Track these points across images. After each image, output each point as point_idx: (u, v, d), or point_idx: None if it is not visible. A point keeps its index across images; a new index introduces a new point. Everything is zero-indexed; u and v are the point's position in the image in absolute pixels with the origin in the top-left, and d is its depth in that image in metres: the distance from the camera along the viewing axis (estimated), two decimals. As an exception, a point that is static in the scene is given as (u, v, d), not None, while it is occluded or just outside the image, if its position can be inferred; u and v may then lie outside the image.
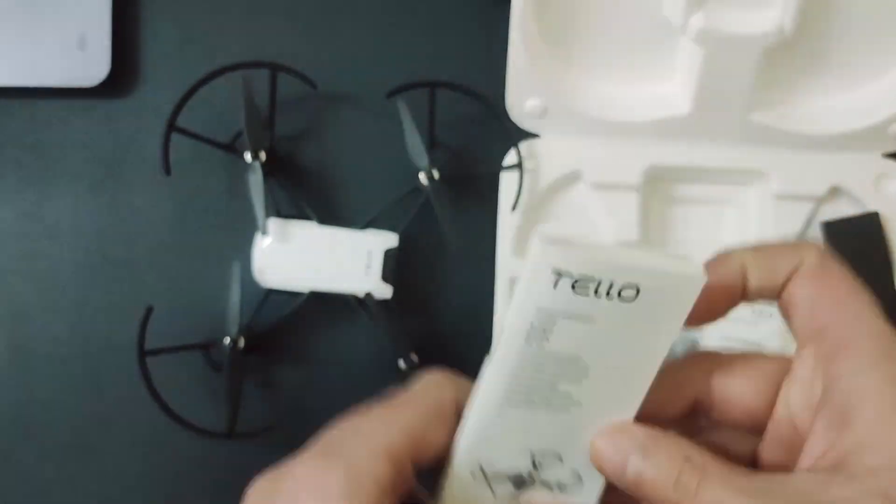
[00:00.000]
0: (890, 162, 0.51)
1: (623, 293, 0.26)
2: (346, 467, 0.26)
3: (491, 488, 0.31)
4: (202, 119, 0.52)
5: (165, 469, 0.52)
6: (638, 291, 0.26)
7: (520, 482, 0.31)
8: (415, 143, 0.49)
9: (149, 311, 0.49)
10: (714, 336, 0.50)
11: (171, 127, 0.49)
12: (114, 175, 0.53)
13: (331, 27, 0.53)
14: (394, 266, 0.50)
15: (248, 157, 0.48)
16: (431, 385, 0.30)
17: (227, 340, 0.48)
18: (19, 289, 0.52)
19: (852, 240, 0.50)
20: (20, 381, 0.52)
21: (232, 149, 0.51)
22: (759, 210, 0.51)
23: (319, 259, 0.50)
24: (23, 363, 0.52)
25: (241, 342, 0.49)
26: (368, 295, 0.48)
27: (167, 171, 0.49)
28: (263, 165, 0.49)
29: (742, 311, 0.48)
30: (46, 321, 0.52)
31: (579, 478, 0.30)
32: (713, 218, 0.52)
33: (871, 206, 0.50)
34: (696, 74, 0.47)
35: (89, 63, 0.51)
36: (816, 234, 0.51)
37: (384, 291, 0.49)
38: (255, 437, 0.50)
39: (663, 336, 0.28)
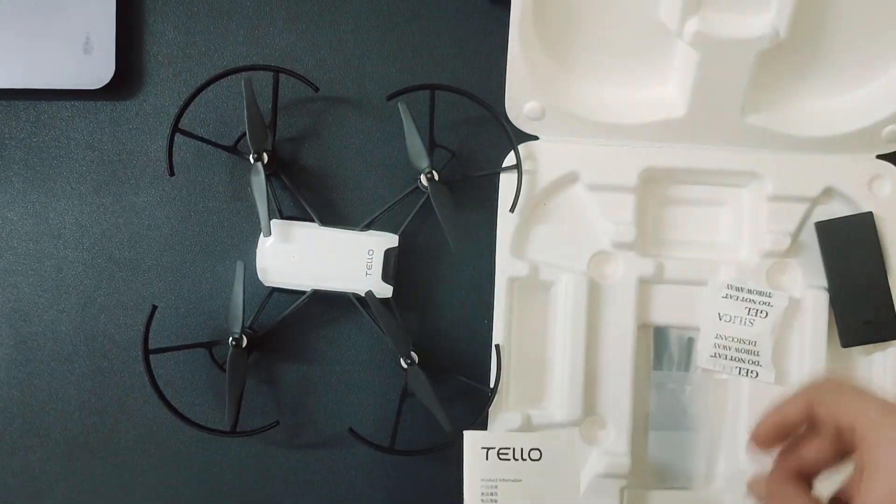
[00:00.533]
0: (883, 163, 0.51)
1: (531, 454, 0.40)
2: None
3: None
4: (205, 121, 0.53)
5: (169, 466, 0.52)
6: (541, 454, 0.40)
7: None
8: (415, 145, 0.49)
9: (153, 310, 0.49)
10: (709, 335, 0.51)
11: (175, 129, 0.50)
12: (118, 176, 0.53)
13: (332, 31, 0.53)
14: (394, 266, 0.50)
15: (250, 158, 0.49)
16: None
17: (230, 339, 0.49)
18: (25, 288, 0.53)
19: (846, 240, 0.50)
20: (26, 379, 0.52)
21: (235, 150, 0.52)
22: (753, 211, 0.52)
23: (321, 259, 0.50)
24: (29, 361, 0.53)
25: (244, 341, 0.49)
26: (369, 294, 0.49)
27: (171, 172, 0.50)
28: (266, 167, 0.49)
29: (737, 310, 0.49)
30: (52, 320, 0.53)
31: None
32: (708, 219, 0.53)
33: (864, 207, 0.51)
34: (691, 77, 0.48)
35: (94, 66, 0.51)
36: (811, 233, 0.51)
37: (384, 291, 0.50)
38: (258, 434, 0.50)
39: (571, 480, 0.40)
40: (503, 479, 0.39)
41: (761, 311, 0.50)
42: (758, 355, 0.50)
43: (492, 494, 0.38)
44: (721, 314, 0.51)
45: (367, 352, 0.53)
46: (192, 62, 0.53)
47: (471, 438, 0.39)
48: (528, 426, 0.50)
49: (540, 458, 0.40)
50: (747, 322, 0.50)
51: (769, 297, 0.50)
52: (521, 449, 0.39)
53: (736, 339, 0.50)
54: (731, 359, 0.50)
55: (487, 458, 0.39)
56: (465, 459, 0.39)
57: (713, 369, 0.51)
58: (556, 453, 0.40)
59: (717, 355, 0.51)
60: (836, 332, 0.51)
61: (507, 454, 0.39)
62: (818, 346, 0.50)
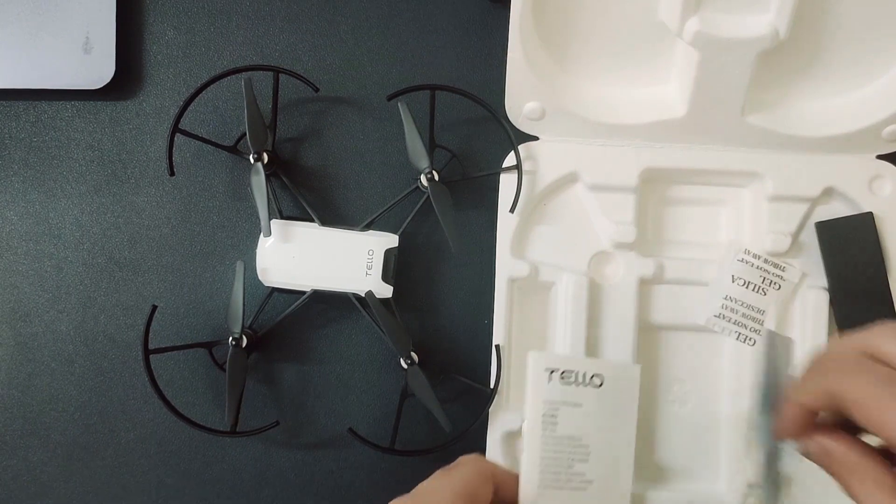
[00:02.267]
0: (883, 163, 0.51)
1: (593, 380, 0.39)
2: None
3: None
4: (206, 121, 0.53)
5: (169, 466, 0.52)
6: (602, 380, 0.39)
7: None
8: (415, 145, 0.49)
9: (153, 310, 0.49)
10: (718, 294, 0.51)
11: (175, 129, 0.50)
12: (118, 176, 0.53)
13: (332, 31, 0.53)
14: (394, 266, 0.50)
15: (250, 158, 0.49)
16: (472, 458, 0.36)
17: (230, 339, 0.49)
18: (25, 288, 0.53)
19: (846, 240, 0.51)
20: (26, 380, 0.52)
21: (235, 150, 0.52)
22: (753, 211, 0.52)
23: (321, 259, 0.50)
24: (28, 362, 0.53)
25: (244, 341, 0.49)
26: (369, 294, 0.49)
27: (171, 172, 0.50)
28: (266, 167, 0.49)
29: (752, 277, 0.49)
30: (52, 320, 0.53)
31: None
32: (709, 219, 0.53)
33: (864, 207, 0.51)
34: (691, 77, 0.48)
35: (94, 66, 0.51)
36: (812, 234, 0.51)
37: (384, 291, 0.50)
38: (258, 434, 0.50)
39: (628, 415, 0.40)
40: (564, 403, 0.38)
41: (775, 283, 0.51)
42: (761, 324, 0.51)
43: (553, 416, 0.38)
44: (735, 277, 0.51)
45: (367, 352, 0.53)
46: (192, 62, 0.53)
47: (535, 358, 0.38)
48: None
49: (601, 385, 0.39)
50: (761, 290, 0.51)
51: (783, 270, 0.51)
52: (584, 374, 0.39)
53: (745, 304, 0.51)
54: (735, 322, 0.51)
55: (550, 380, 0.38)
56: (529, 379, 0.38)
57: (712, 329, 0.51)
58: (617, 383, 0.40)
59: (721, 316, 0.51)
60: (836, 333, 0.51)
61: (569, 377, 0.39)
62: (818, 345, 0.50)
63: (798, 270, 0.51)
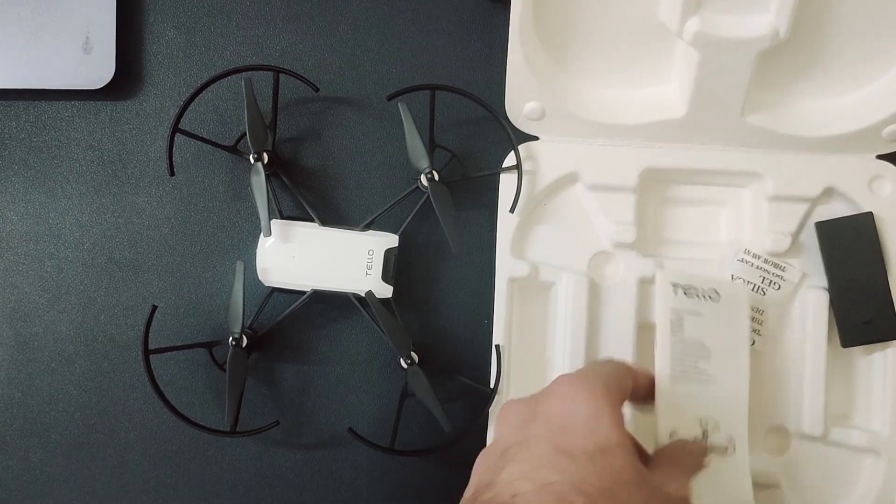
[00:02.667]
0: (883, 163, 0.51)
1: (712, 296, 0.46)
2: (602, 382, 0.38)
3: None
4: (206, 121, 0.53)
5: (169, 466, 0.52)
6: (719, 294, 0.46)
7: None
8: (415, 145, 0.49)
9: (153, 310, 0.49)
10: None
11: (175, 129, 0.50)
12: (118, 176, 0.53)
13: (332, 31, 0.53)
14: (394, 266, 0.50)
15: (250, 158, 0.49)
16: (614, 360, 0.44)
17: (230, 339, 0.49)
18: (25, 288, 0.53)
19: (846, 240, 0.50)
20: (26, 379, 0.53)
21: (235, 150, 0.52)
22: (753, 211, 0.52)
23: (321, 259, 0.50)
24: (29, 362, 0.53)
25: (244, 341, 0.49)
26: (369, 294, 0.49)
27: (171, 172, 0.50)
28: (266, 167, 0.49)
29: (752, 276, 0.51)
30: (52, 320, 0.53)
31: (733, 442, 0.45)
32: (709, 219, 0.53)
33: (864, 207, 0.51)
34: (691, 78, 0.48)
35: (94, 66, 0.52)
36: (812, 234, 0.51)
37: (384, 291, 0.50)
38: (258, 434, 0.50)
39: (742, 324, 0.47)
40: (687, 311, 0.45)
41: (774, 283, 0.50)
42: (761, 324, 0.51)
43: (679, 323, 0.45)
44: (734, 276, 0.51)
45: (367, 352, 0.53)
46: (192, 62, 0.53)
47: (662, 274, 0.46)
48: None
49: (717, 299, 0.46)
50: (760, 290, 0.51)
51: (783, 270, 0.51)
52: (703, 288, 0.46)
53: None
54: None
55: (676, 294, 0.46)
56: (658, 292, 0.46)
57: None
58: (729, 297, 0.47)
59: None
60: (836, 332, 0.51)
61: (691, 291, 0.46)
62: (818, 345, 0.50)
63: (798, 270, 0.51)
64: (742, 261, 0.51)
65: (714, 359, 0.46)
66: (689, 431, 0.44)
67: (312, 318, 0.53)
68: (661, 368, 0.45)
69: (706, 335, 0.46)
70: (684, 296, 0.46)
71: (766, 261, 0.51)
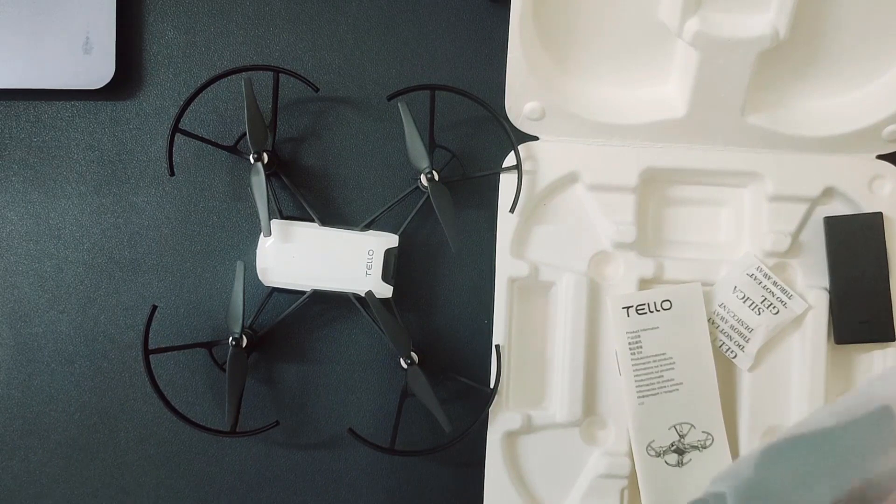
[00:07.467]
0: (883, 163, 0.51)
1: (663, 305, 0.49)
2: None
3: (664, 461, 0.49)
4: (206, 121, 0.53)
5: (169, 466, 0.52)
6: (671, 303, 0.49)
7: (679, 451, 0.49)
8: (415, 145, 0.49)
9: (153, 310, 0.49)
10: (715, 299, 0.51)
11: (175, 129, 0.50)
12: (118, 176, 0.53)
13: (332, 31, 0.53)
14: (394, 266, 0.50)
15: (250, 158, 0.49)
16: None
17: (230, 339, 0.49)
18: (25, 288, 0.53)
19: (852, 238, 0.50)
20: (26, 380, 0.53)
21: (235, 150, 0.52)
22: (753, 211, 0.52)
23: (321, 259, 0.50)
24: (29, 362, 0.53)
25: (244, 341, 0.49)
26: (369, 294, 0.49)
27: (171, 172, 0.50)
28: (266, 167, 0.49)
29: (754, 293, 0.50)
30: (52, 320, 0.53)
31: (711, 434, 0.49)
32: (709, 219, 0.53)
33: (864, 207, 0.51)
34: (691, 77, 0.48)
35: (94, 66, 0.52)
36: (812, 233, 0.51)
37: (384, 291, 0.50)
38: (258, 434, 0.50)
39: (699, 322, 0.49)
40: (644, 329, 0.48)
41: (773, 307, 0.50)
42: (746, 341, 0.50)
43: (637, 343, 0.48)
44: (736, 287, 0.51)
45: (367, 352, 0.53)
46: (192, 62, 0.53)
47: (613, 301, 0.48)
48: (528, 427, 0.50)
49: (671, 308, 0.49)
50: (756, 309, 0.50)
51: (788, 297, 0.50)
52: (654, 302, 0.49)
53: (735, 317, 0.50)
54: (721, 330, 0.50)
55: (629, 316, 0.48)
56: (612, 319, 0.48)
57: None
58: (683, 302, 0.49)
59: (710, 320, 0.51)
60: (832, 329, 0.51)
61: (643, 308, 0.48)
62: (818, 345, 0.50)
63: (803, 304, 0.50)
64: (751, 275, 0.50)
65: (678, 365, 0.49)
66: (666, 441, 0.49)
67: (312, 318, 0.53)
68: (629, 393, 0.49)
69: (666, 345, 0.49)
70: (637, 315, 0.49)
71: (775, 283, 0.50)
